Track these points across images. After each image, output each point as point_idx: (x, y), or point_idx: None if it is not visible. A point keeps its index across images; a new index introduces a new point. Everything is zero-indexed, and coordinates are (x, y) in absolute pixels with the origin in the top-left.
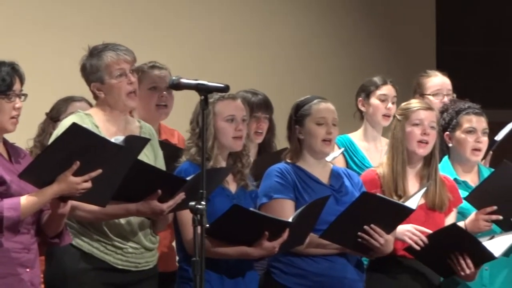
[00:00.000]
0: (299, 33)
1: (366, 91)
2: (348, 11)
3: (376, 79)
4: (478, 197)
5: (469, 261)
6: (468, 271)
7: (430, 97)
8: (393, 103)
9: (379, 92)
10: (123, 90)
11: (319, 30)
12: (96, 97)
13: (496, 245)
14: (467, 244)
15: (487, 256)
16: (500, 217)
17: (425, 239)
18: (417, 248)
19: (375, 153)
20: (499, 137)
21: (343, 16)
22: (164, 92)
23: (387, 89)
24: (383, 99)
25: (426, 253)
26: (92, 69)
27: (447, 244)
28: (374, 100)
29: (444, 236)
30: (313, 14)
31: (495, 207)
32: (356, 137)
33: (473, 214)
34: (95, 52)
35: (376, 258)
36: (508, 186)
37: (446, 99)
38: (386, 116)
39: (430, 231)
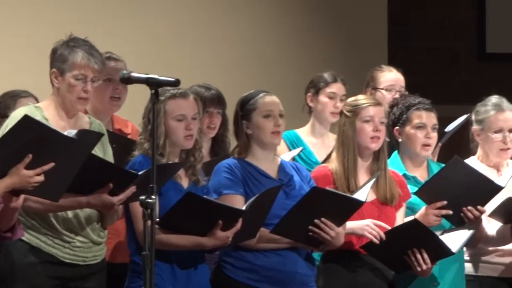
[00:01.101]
0: (251, 28)
1: (315, 88)
2: (299, 5)
3: (326, 76)
4: (428, 192)
5: (426, 257)
6: (424, 267)
7: (383, 91)
8: (341, 100)
9: (328, 89)
10: (75, 93)
11: (270, 25)
12: (52, 84)
13: (451, 240)
14: (426, 239)
15: (445, 251)
16: (450, 212)
17: (383, 234)
18: (377, 242)
19: (322, 148)
20: (448, 128)
21: (294, 11)
22: (120, 85)
23: (337, 87)
24: (332, 97)
25: (383, 249)
26: (60, 58)
27: (406, 240)
28: (323, 98)
29: (404, 232)
30: (264, 9)
31: (445, 202)
32: (303, 132)
33: (423, 208)
34: (71, 44)
35: (332, 253)
36: (458, 181)
37: (397, 96)
38: (334, 113)
39: (388, 227)
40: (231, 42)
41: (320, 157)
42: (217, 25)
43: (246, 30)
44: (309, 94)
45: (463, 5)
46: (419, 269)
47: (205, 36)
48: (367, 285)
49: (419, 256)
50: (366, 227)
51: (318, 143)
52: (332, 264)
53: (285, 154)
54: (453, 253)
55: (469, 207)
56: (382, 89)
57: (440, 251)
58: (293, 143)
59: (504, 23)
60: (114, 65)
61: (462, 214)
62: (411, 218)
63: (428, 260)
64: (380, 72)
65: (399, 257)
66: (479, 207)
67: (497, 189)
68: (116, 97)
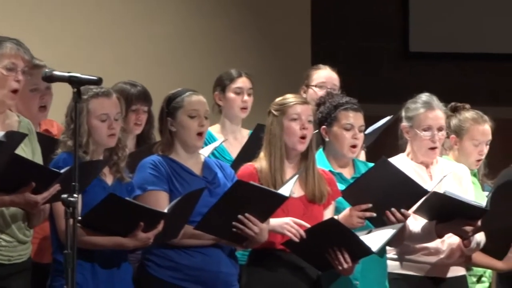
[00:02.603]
0: (175, 26)
1: (221, 85)
2: (222, 4)
3: (231, 72)
4: (353, 193)
5: (346, 256)
6: (345, 266)
7: (314, 88)
8: (249, 95)
9: (234, 85)
10: (7, 86)
11: (194, 22)
12: None
13: (373, 239)
14: (345, 238)
15: (365, 251)
16: (374, 215)
17: (303, 233)
18: (296, 240)
19: (235, 145)
20: (369, 130)
21: (217, 10)
22: (46, 94)
23: (242, 82)
24: (239, 92)
25: (304, 247)
26: None
27: (325, 239)
28: (230, 94)
29: (322, 230)
30: (188, 6)
31: (370, 205)
32: (215, 130)
33: (347, 210)
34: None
35: (257, 252)
36: (384, 183)
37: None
38: (243, 108)
39: (308, 225)
40: (154, 39)
41: (233, 154)
42: (140, 23)
43: (170, 27)
44: (216, 92)
45: (387, 5)
46: (340, 268)
47: (128, 34)
48: (290, 284)
49: (339, 254)
50: (286, 225)
51: (231, 140)
52: (256, 263)
53: (205, 148)
54: (373, 252)
55: (393, 209)
56: (314, 86)
57: (359, 250)
58: (206, 141)
59: (427, 22)
60: (39, 73)
61: (385, 217)
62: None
63: (348, 259)
64: (314, 70)
65: (321, 256)
66: (403, 210)
67: (424, 193)
68: (43, 106)
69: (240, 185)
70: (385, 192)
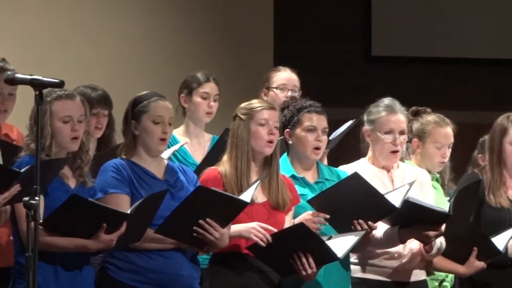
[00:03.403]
0: (137, 28)
1: (188, 88)
2: (184, 7)
3: (199, 76)
4: (320, 202)
5: (311, 261)
6: (309, 271)
7: (276, 91)
8: (215, 100)
9: (201, 89)
10: None
11: (155, 25)
12: None
13: (337, 245)
14: (312, 243)
15: (331, 256)
16: (326, 223)
17: (269, 237)
18: (263, 245)
19: (198, 149)
20: (333, 136)
21: (180, 12)
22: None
23: (210, 87)
24: (205, 97)
25: (269, 252)
26: None
27: (292, 243)
28: (196, 98)
29: (290, 235)
30: (149, 8)
31: (327, 216)
32: (179, 133)
33: (304, 215)
34: None
35: (220, 255)
36: (354, 196)
37: (289, 95)
38: (208, 113)
39: (274, 229)
40: (114, 42)
41: (196, 157)
42: (102, 24)
43: (131, 30)
44: (182, 95)
45: (350, 9)
46: (304, 273)
47: (90, 35)
48: (253, 287)
49: (304, 260)
50: (252, 229)
51: (194, 143)
52: (218, 266)
53: (165, 151)
54: (338, 258)
55: (360, 221)
56: (275, 88)
57: (325, 256)
58: (170, 144)
59: (389, 26)
60: (1, 77)
61: (352, 226)
62: None
63: (313, 264)
64: (275, 72)
65: (285, 261)
66: (370, 223)
67: (393, 209)
68: (3, 110)
69: (201, 190)
70: (354, 204)
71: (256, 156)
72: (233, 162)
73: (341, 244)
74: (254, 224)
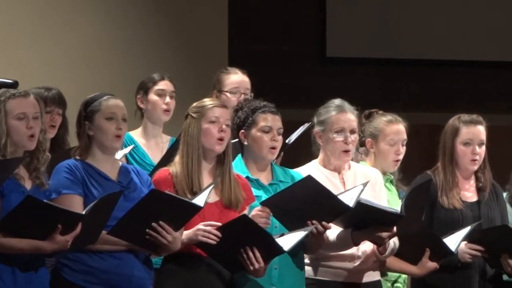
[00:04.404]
0: (93, 29)
1: (144, 88)
2: (140, 9)
3: (154, 75)
4: (274, 204)
5: (258, 255)
6: (257, 266)
7: (228, 94)
8: (171, 97)
9: (156, 87)
10: None
11: (113, 27)
12: None
13: (285, 241)
14: (256, 236)
15: (276, 249)
16: (269, 222)
17: (217, 232)
18: (213, 243)
19: (156, 150)
20: (290, 140)
21: (136, 15)
22: None
23: (165, 84)
24: (161, 94)
25: (218, 248)
26: None
27: (237, 237)
28: (152, 96)
29: (234, 228)
30: (106, 11)
31: (270, 213)
32: (136, 134)
33: (254, 210)
34: None
35: (172, 254)
36: (308, 198)
37: (242, 98)
38: (166, 111)
39: (219, 224)
40: (68, 44)
41: (154, 158)
42: (62, 27)
43: (87, 31)
44: (139, 96)
45: (304, 9)
46: (251, 268)
47: (45, 37)
48: (205, 283)
49: (251, 254)
50: (198, 231)
51: (152, 145)
52: (170, 265)
53: (117, 153)
54: (284, 251)
55: (314, 221)
56: (227, 91)
57: (271, 249)
58: (127, 145)
59: (344, 27)
60: None
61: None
62: None
63: (260, 259)
64: (226, 75)
65: (233, 256)
66: (324, 223)
67: (346, 209)
68: None
69: (155, 194)
70: (308, 205)
71: (208, 154)
72: (184, 160)
73: (288, 240)
74: (199, 226)
